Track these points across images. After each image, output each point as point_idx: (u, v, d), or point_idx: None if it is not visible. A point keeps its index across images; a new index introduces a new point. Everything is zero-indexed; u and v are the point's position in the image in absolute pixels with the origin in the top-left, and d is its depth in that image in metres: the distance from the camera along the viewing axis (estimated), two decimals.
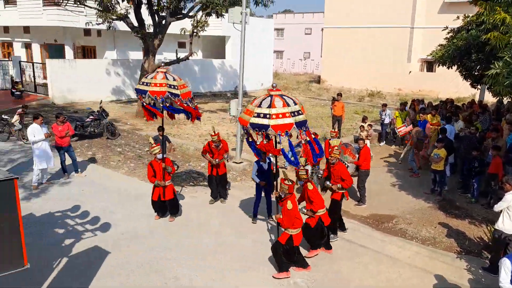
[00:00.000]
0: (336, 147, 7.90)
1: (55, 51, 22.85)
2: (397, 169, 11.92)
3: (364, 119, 13.51)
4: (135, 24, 16.40)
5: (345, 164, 9.33)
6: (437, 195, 9.78)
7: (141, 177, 10.33)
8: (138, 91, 7.59)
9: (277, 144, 6.84)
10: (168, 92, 7.41)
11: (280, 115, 5.69)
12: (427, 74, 28.90)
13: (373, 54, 29.59)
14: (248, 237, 7.59)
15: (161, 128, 9.30)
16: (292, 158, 6.87)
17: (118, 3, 15.49)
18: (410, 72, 27.94)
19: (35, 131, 9.27)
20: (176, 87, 7.50)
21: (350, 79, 30.54)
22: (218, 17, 16.54)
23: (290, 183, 6.20)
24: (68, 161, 10.18)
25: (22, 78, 20.64)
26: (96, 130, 13.65)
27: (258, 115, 5.77)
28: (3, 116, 13.55)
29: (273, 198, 7.74)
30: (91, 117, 13.67)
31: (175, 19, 16.40)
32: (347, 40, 30.79)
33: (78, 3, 15.93)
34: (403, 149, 12.92)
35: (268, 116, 5.69)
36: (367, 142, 10.25)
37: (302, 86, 31.54)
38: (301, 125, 5.91)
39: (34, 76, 20.10)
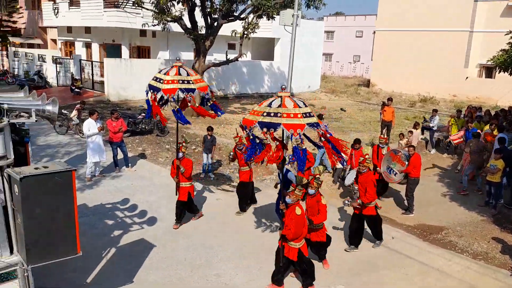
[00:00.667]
0: (367, 156, 7.43)
1: (112, 50, 23.99)
2: (448, 179, 11.39)
3: (415, 125, 13.04)
4: (188, 25, 16.88)
5: (394, 175, 9.03)
6: (491, 208, 9.23)
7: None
8: (151, 88, 7.06)
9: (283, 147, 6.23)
10: (180, 89, 6.96)
11: (292, 115, 5.33)
12: (485, 80, 27.36)
13: (427, 58, 28.44)
14: None
15: (210, 128, 9.54)
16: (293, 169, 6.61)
17: (173, 5, 16.02)
18: (467, 78, 26.58)
19: (90, 126, 9.80)
20: (191, 82, 7.05)
21: (401, 83, 29.58)
22: (268, 19, 16.62)
23: (302, 190, 5.86)
24: (120, 155, 10.66)
25: (81, 76, 21.86)
26: (146, 127, 14.19)
27: (268, 114, 5.39)
28: (62, 111, 14.43)
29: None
30: (143, 114, 14.21)
31: (227, 21, 16.69)
32: (400, 43, 29.85)
33: (136, 5, 16.63)
34: (456, 158, 12.33)
35: (279, 114, 5.33)
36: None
37: (350, 89, 30.95)
38: (313, 126, 5.50)
39: (92, 74, 21.22)
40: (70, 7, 23.69)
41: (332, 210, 8.68)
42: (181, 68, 7.12)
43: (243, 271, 6.45)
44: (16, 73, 26.71)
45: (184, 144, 7.78)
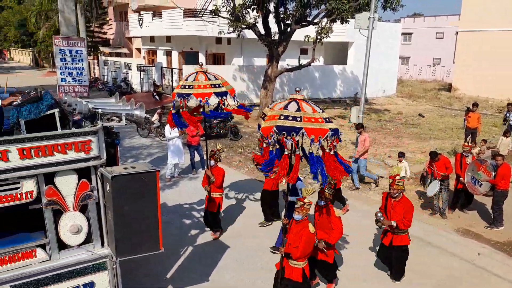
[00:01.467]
0: (398, 176, 5.97)
1: (190, 58, 25.17)
2: None
3: (505, 133, 11.98)
4: (262, 32, 17.18)
5: (479, 186, 8.38)
6: None
7: (260, 177, 10.76)
8: (179, 96, 6.65)
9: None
10: (214, 93, 6.67)
11: (313, 119, 4.69)
12: None
13: None
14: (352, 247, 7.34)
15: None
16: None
17: (248, 13, 16.42)
18: None
19: (171, 130, 10.36)
20: (221, 85, 6.80)
21: (487, 87, 27.34)
22: (342, 23, 16.36)
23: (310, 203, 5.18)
24: (197, 158, 11.13)
25: (162, 82, 23.21)
26: (221, 131, 14.67)
27: (286, 118, 4.70)
28: (145, 115, 15.44)
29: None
30: (218, 119, 14.71)
31: (300, 27, 16.72)
32: (486, 45, 27.63)
33: (213, 14, 17.30)
34: None
35: (299, 118, 4.66)
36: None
37: (430, 94, 29.30)
38: (335, 133, 4.81)
39: (172, 80, 22.43)
40: (153, 18, 25.30)
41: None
42: (206, 73, 6.93)
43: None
44: (105, 80, 29.10)
45: (217, 152, 7.47)
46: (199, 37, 23.38)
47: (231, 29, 16.87)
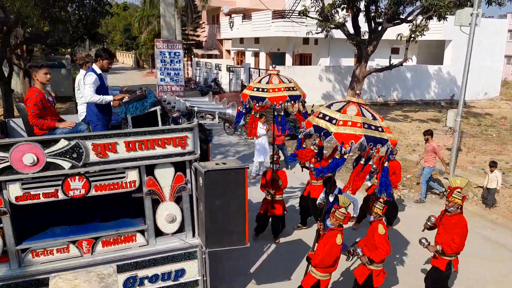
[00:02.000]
0: (458, 190, 5.14)
1: (277, 58, 25.51)
2: None
3: None
4: (351, 31, 16.79)
5: None
6: None
7: (344, 180, 10.54)
8: (253, 98, 6.26)
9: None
10: (250, 96, 6.28)
11: (349, 123, 4.22)
12: None
13: None
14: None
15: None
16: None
17: (337, 12, 16.16)
18: None
19: (258, 128, 10.62)
20: (295, 88, 6.48)
21: None
22: (440, 20, 15.31)
23: (346, 214, 4.88)
24: (281, 157, 11.26)
25: (249, 82, 23.85)
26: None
27: (324, 117, 4.41)
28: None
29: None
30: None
31: (392, 25, 16.01)
32: None
33: (301, 14, 17.33)
34: None
35: (334, 121, 4.28)
36: None
37: None
38: (376, 142, 4.23)
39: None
40: (243, 20, 26.11)
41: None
42: (266, 77, 6.63)
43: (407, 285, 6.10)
44: (197, 80, 30.74)
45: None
46: (286, 38, 23.60)
47: (319, 29, 16.74)
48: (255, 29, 24.76)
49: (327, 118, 4.36)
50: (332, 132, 4.20)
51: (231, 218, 4.62)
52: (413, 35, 15.39)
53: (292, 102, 6.21)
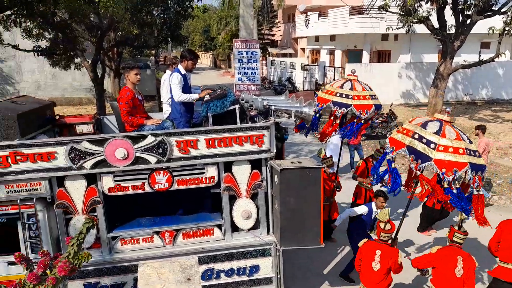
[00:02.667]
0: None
1: (353, 56, 24.86)
2: None
3: None
4: (436, 25, 15.79)
5: None
6: None
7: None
8: (335, 104, 6.13)
9: None
10: (333, 101, 6.11)
11: (451, 149, 4.09)
12: None
13: None
14: None
15: None
16: None
17: (421, 5, 15.30)
18: None
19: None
20: (350, 97, 6.16)
21: None
22: None
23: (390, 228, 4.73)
24: (356, 158, 10.96)
25: (324, 81, 23.54)
26: (383, 132, 14.08)
27: (420, 139, 4.26)
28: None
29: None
30: (380, 119, 14.17)
31: (483, 17, 14.76)
32: None
33: (381, 9, 16.69)
34: None
35: (433, 146, 4.14)
36: None
37: None
38: (476, 169, 4.10)
39: (334, 79, 22.54)
40: (319, 18, 25.82)
41: None
42: (348, 82, 6.40)
43: None
44: (271, 79, 31.04)
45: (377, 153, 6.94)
46: (364, 35, 22.90)
47: (400, 25, 15.98)
48: (331, 26, 24.35)
49: (424, 141, 4.25)
50: (432, 158, 4.12)
51: (306, 217, 4.60)
52: (507, 28, 14.05)
53: (376, 111, 6.26)
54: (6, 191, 4.28)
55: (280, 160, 4.88)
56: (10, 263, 4.41)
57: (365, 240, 4.96)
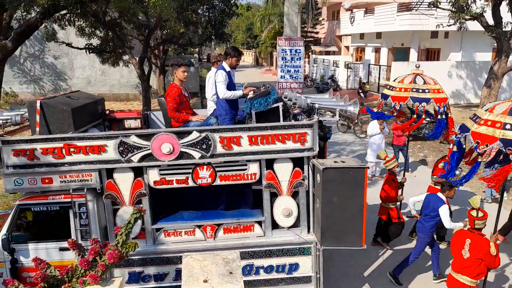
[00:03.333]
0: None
1: (400, 54, 24.12)
2: None
3: None
4: (490, 22, 14.98)
5: None
6: None
7: (474, 188, 9.53)
8: (415, 100, 6.42)
9: None
10: (411, 97, 6.30)
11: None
12: None
13: None
14: None
15: None
16: None
17: (474, 1, 14.57)
18: None
19: (374, 127, 10.19)
20: (428, 91, 6.28)
21: None
22: None
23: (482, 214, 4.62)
24: (401, 159, 10.63)
25: (368, 79, 23.02)
26: (430, 132, 13.56)
27: None
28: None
29: None
30: (428, 119, 13.64)
31: None
32: None
33: (431, 6, 16.06)
34: None
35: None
36: None
37: None
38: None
39: (379, 78, 21.99)
40: (365, 15, 25.24)
41: None
42: (418, 76, 6.51)
43: None
44: (313, 77, 30.75)
45: None
46: (412, 32, 22.16)
47: (452, 21, 15.29)
48: (378, 23, 23.73)
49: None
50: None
51: (348, 217, 4.53)
52: None
53: (418, 104, 6.34)
54: (60, 181, 4.53)
55: (322, 159, 4.83)
56: (62, 249, 4.66)
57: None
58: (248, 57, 67.22)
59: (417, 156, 12.06)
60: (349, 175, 4.44)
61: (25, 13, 9.83)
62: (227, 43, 21.04)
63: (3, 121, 4.75)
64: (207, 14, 14.90)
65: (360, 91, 21.23)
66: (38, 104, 4.65)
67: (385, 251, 6.89)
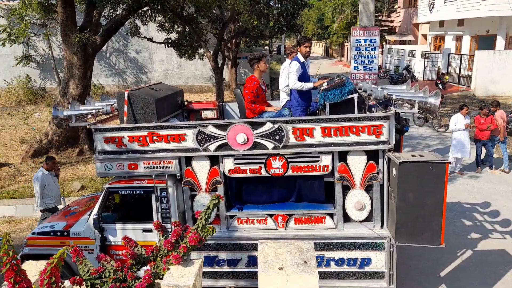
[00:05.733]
0: None
1: (484, 42, 22.24)
2: None
3: None
4: None
5: None
6: None
7: None
8: None
9: None
10: None
11: None
12: None
13: None
14: None
15: None
16: None
17: None
18: None
19: (458, 121, 9.57)
20: None
21: None
22: None
23: None
24: (484, 155, 9.92)
25: (447, 70, 21.56)
26: None
27: None
28: None
29: None
30: None
31: None
32: None
33: None
34: None
35: None
36: None
37: None
38: None
39: (460, 68, 20.52)
40: (446, 1, 23.61)
41: None
42: None
43: None
44: (387, 68, 29.49)
45: None
46: (499, 18, 20.31)
47: None
48: (460, 9, 22.06)
49: None
50: None
51: (426, 214, 4.34)
52: None
53: None
54: (144, 167, 4.87)
55: (398, 153, 4.68)
56: (145, 230, 5.03)
57: None
58: (318, 48, 66.19)
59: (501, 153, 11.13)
60: (428, 170, 4.26)
61: (112, 11, 10.59)
62: (298, 35, 20.90)
63: (96, 111, 5.18)
64: (279, 6, 14.92)
65: (439, 82, 19.97)
66: (126, 95, 5.03)
67: (464, 251, 6.51)
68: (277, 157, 4.73)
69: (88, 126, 4.96)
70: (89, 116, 5.37)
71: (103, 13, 11.37)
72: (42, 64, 22.78)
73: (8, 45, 19.83)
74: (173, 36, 15.04)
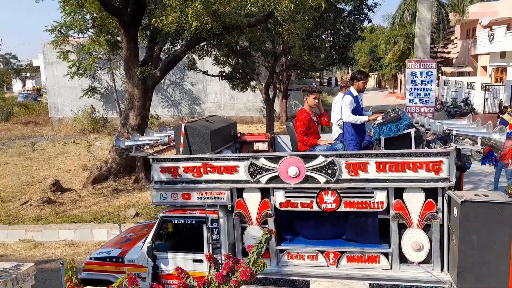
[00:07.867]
0: None
1: None
2: None
3: None
4: None
5: None
6: None
7: None
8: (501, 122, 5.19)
9: None
10: None
11: None
12: None
13: None
14: None
15: None
16: None
17: None
18: None
19: None
20: None
21: None
22: None
23: None
24: None
25: (511, 102, 20.37)
26: None
27: None
28: None
29: None
30: None
31: None
32: None
33: None
34: None
35: None
36: None
37: None
38: None
39: None
40: (507, 31, 22.67)
41: None
42: None
43: None
44: (444, 100, 28.42)
45: None
46: None
47: None
48: None
49: None
50: None
51: (492, 258, 4.02)
52: None
53: None
54: (197, 197, 4.97)
55: (460, 191, 4.42)
56: (195, 260, 5.07)
57: None
58: (370, 80, 65.44)
59: None
60: (493, 210, 3.98)
61: (171, 46, 11.21)
62: (350, 67, 20.84)
63: (154, 141, 5.42)
64: (331, 39, 15.05)
65: (501, 115, 18.87)
66: (183, 127, 5.22)
67: None
68: (330, 192, 4.63)
69: (146, 156, 5.18)
70: (148, 146, 5.62)
71: (163, 48, 12.06)
72: (105, 96, 24.36)
73: (77, 78, 21.48)
74: (227, 69, 15.57)
